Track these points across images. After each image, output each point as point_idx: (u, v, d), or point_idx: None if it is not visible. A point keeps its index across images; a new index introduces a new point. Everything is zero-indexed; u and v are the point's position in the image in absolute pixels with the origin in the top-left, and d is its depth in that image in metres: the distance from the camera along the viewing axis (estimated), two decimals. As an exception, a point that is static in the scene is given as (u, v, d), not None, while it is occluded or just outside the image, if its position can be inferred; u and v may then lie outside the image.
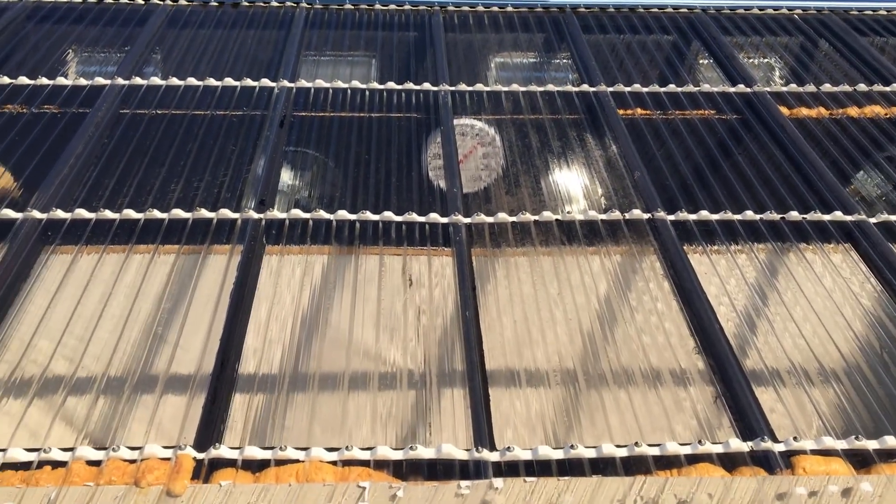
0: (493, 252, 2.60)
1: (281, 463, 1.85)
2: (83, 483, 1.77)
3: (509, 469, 1.86)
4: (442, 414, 2.16)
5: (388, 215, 2.67)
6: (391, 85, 3.42)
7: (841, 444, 1.91)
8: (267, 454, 1.86)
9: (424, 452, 1.88)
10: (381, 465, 1.86)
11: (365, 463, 1.86)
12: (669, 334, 2.32)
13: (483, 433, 1.95)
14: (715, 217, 2.69)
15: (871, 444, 1.91)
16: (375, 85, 3.42)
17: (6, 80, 3.29)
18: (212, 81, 3.37)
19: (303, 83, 3.39)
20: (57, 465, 1.81)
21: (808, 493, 1.81)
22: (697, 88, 3.45)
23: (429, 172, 2.98)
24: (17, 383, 2.12)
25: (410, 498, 1.78)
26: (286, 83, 3.37)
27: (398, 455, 1.88)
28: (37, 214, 2.57)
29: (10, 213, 2.57)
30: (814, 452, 1.89)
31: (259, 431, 2.10)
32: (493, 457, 1.88)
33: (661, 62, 3.76)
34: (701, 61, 3.83)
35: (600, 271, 2.52)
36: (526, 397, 2.17)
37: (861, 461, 1.89)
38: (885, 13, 4.18)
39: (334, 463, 1.86)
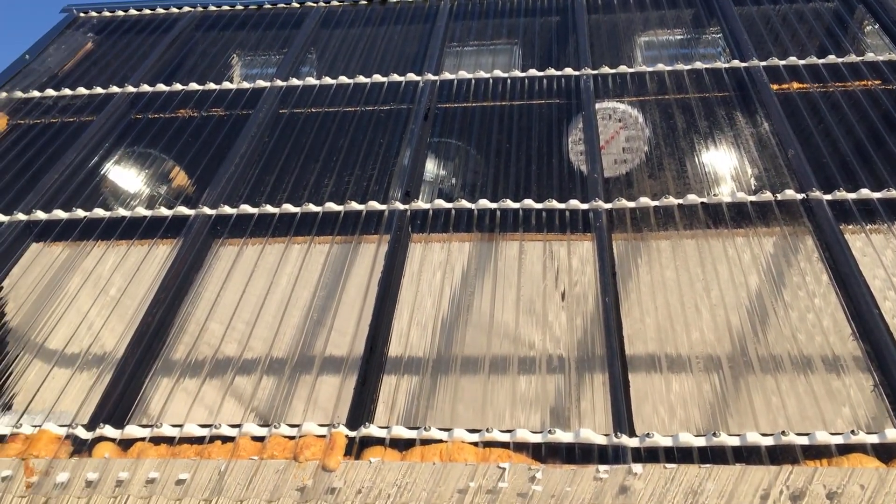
0: (635, 237, 2.58)
1: (426, 442, 1.94)
2: (249, 457, 1.94)
3: (649, 455, 1.87)
4: (582, 399, 2.19)
5: (529, 202, 2.70)
6: (532, 72, 3.44)
7: None
8: (413, 434, 1.96)
9: (563, 436, 1.92)
10: (520, 447, 1.91)
11: (505, 445, 1.92)
12: (823, 320, 2.22)
13: (622, 419, 1.96)
14: (877, 195, 2.53)
15: None
16: (517, 73, 3.45)
17: (178, 86, 3.60)
18: (361, 79, 3.52)
19: (446, 75, 3.48)
20: (226, 440, 2.00)
21: (976, 490, 1.69)
22: (861, 58, 3.23)
23: (570, 158, 2.99)
24: (192, 364, 2.34)
25: (549, 480, 1.82)
26: (430, 76, 3.47)
27: (537, 438, 1.92)
28: (207, 210, 2.81)
29: (184, 210, 2.83)
30: (984, 446, 1.76)
31: (406, 412, 2.22)
32: (633, 442, 1.89)
33: (821, 32, 3.55)
34: (866, 28, 3.58)
35: (748, 255, 2.44)
36: (667, 384, 2.15)
37: None
38: None
39: (476, 444, 1.93)
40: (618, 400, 2.01)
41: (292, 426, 2.01)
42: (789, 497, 1.74)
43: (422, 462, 1.89)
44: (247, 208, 2.80)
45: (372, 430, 1.97)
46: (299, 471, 1.91)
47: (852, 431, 1.83)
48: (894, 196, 2.52)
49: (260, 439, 2.00)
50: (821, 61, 3.24)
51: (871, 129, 2.88)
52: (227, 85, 3.60)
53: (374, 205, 2.75)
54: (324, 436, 1.98)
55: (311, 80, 3.55)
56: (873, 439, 1.82)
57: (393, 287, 2.45)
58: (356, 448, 1.95)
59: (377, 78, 3.51)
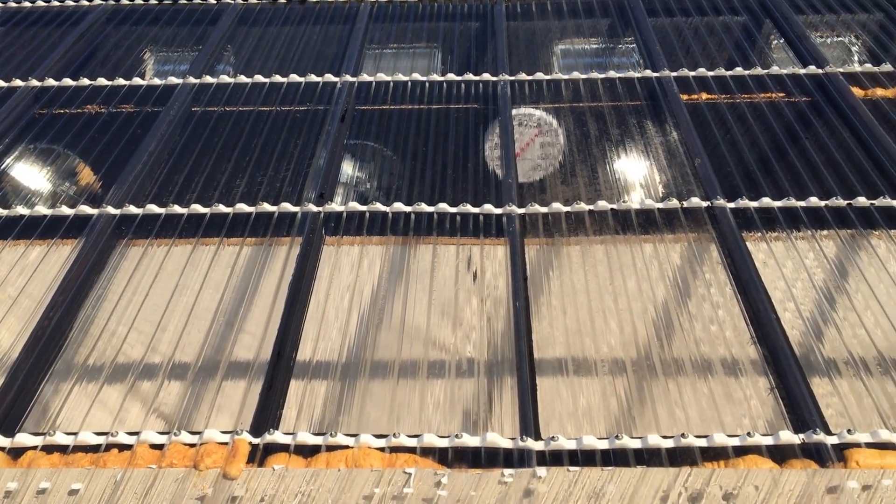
0: (547, 242, 2.61)
1: (332, 449, 1.92)
2: (146, 466, 1.88)
3: (553, 458, 1.88)
4: (491, 403, 2.20)
5: (443, 206, 2.70)
6: (451, 76, 3.45)
7: (898, 438, 1.85)
8: (318, 440, 1.93)
9: (470, 440, 1.92)
10: (427, 452, 1.91)
11: (412, 450, 1.91)
12: (724, 325, 2.28)
13: (529, 423, 1.97)
14: (777, 204, 2.62)
15: (932, 439, 1.85)
16: (435, 77, 3.46)
17: (86, 81, 3.47)
18: (278, 78, 3.46)
19: (365, 77, 3.46)
20: (123, 448, 1.93)
21: (861, 487, 1.76)
22: (766, 71, 3.35)
23: (486, 163, 3.00)
24: (91, 369, 2.25)
25: (454, 485, 1.82)
26: (349, 77, 3.44)
27: (444, 443, 1.92)
28: (111, 210, 2.71)
29: (86, 209, 2.72)
30: (869, 446, 1.84)
31: (314, 417, 2.18)
32: (538, 446, 1.90)
33: (730, 45, 3.67)
34: (772, 42, 3.72)
35: (654, 260, 2.49)
36: (575, 387, 2.18)
37: (920, 456, 1.83)
38: (974, -16, 3.96)
39: (382, 449, 1.91)
40: (525, 404, 2.02)
41: (193, 433, 1.95)
42: (687, 498, 1.78)
43: (327, 469, 1.86)
44: (153, 208, 2.72)
45: (277, 436, 1.94)
46: (199, 479, 1.85)
47: (748, 433, 1.88)
48: (794, 205, 2.61)
49: (159, 447, 1.93)
50: (728, 73, 3.34)
51: (774, 140, 2.99)
52: (137, 81, 3.49)
53: (287, 206, 2.71)
54: (226, 443, 1.93)
55: (226, 79, 3.47)
56: (768, 441, 1.88)
57: (304, 290, 2.41)
58: (260, 455, 1.91)
59: (294, 78, 3.46)
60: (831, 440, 1.86)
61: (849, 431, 1.86)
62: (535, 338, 2.25)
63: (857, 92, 3.17)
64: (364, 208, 2.71)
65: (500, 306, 2.42)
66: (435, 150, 3.05)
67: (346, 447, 1.91)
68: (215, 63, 3.69)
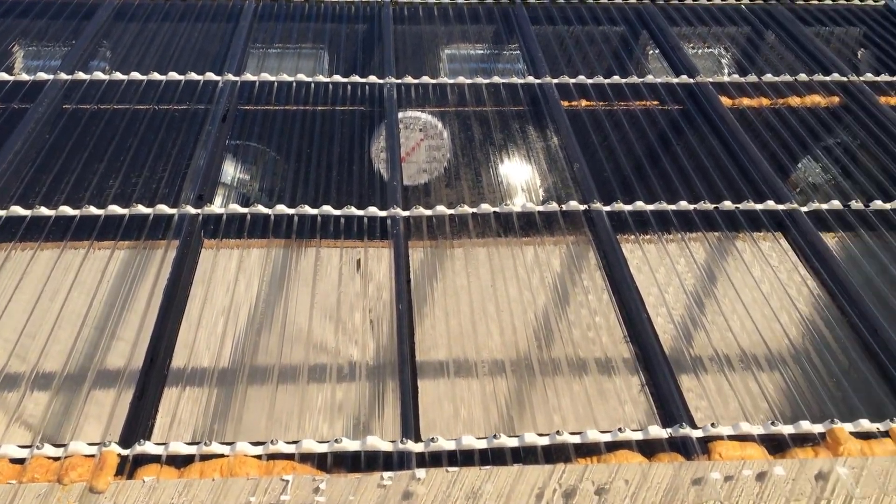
0: (431, 245, 2.63)
1: (206, 458, 1.86)
2: (6, 481, 1.78)
3: (433, 459, 1.89)
4: (374, 406, 2.19)
5: (327, 209, 2.68)
6: (337, 78, 3.43)
7: (757, 430, 1.96)
8: (192, 449, 1.87)
9: (350, 445, 1.91)
10: (305, 458, 1.88)
11: (290, 456, 1.88)
12: (599, 325, 2.35)
13: (410, 425, 1.97)
14: (650, 207, 2.73)
15: (787, 429, 1.96)
16: (321, 78, 3.42)
17: (-55, 75, 3.26)
18: (156, 76, 3.35)
19: (248, 76, 3.38)
20: (-21, 463, 1.82)
21: (724, 478, 1.85)
22: (641, 79, 3.48)
23: (372, 166, 2.99)
24: (-54, 382, 2.12)
25: (333, 490, 1.80)
26: (231, 77, 3.36)
27: (323, 448, 1.90)
28: (-30, 212, 2.56)
29: (-58, 211, 2.56)
30: (731, 438, 1.94)
31: (190, 426, 2.12)
32: (418, 448, 1.91)
33: (608, 53, 3.80)
34: (648, 52, 3.87)
35: (534, 263, 2.55)
36: (456, 389, 2.20)
37: (776, 446, 1.94)
38: (831, 2, 4.24)
39: (259, 457, 1.87)
40: (406, 406, 2.02)
41: (57, 446, 1.86)
42: (562, 495, 1.82)
43: (201, 479, 1.81)
44: (18, 210, 2.58)
45: (147, 447, 1.87)
46: (64, 494, 1.77)
47: (619, 429, 1.95)
48: (665, 208, 2.72)
49: (20, 461, 1.83)
50: (607, 81, 3.45)
51: (648, 146, 3.11)
52: (3, 76, 3.30)
53: (163, 208, 2.62)
54: (93, 455, 1.85)
55: (100, 75, 3.33)
56: (638, 436, 1.95)
57: (180, 295, 2.34)
58: (129, 467, 1.83)
59: (173, 76, 3.35)
60: (697, 434, 1.94)
61: (713, 425, 1.96)
62: (418, 340, 2.26)
63: (725, 101, 3.34)
64: (245, 210, 2.65)
65: (383, 309, 2.42)
66: (320, 151, 3.02)
67: (222, 456, 1.86)
68: (89, 59, 3.54)
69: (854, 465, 1.87)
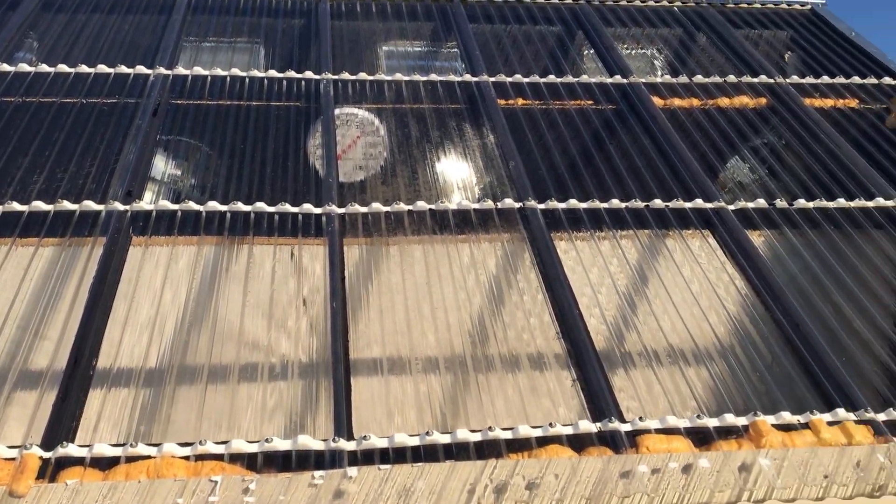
0: (366, 242, 2.62)
1: (132, 460, 1.82)
2: (-81, 487, 1.71)
3: (365, 458, 1.89)
4: (307, 405, 2.18)
5: (261, 206, 2.64)
6: (272, 73, 3.39)
7: (683, 423, 2.00)
8: (117, 451, 1.83)
9: (281, 444, 1.89)
10: (236, 458, 1.86)
11: (219, 457, 1.85)
12: (533, 322, 2.38)
13: (342, 423, 1.96)
14: (583, 205, 2.77)
15: (712, 422, 2.01)
16: (256, 73, 3.37)
17: None
18: (84, 68, 3.26)
19: (180, 70, 3.32)
20: None
21: (651, 471, 1.89)
22: (576, 79, 3.52)
23: (307, 162, 2.97)
24: None
25: (263, 490, 1.78)
26: (163, 70, 3.29)
27: (253, 448, 1.87)
28: None
29: None
30: (658, 431, 1.98)
31: (117, 428, 2.07)
32: (350, 446, 1.90)
33: (545, 53, 3.84)
34: (583, 52, 3.92)
35: (469, 261, 2.56)
36: (390, 387, 2.20)
37: (702, 439, 1.99)
38: (759, 6, 4.36)
39: (187, 458, 1.84)
40: (339, 405, 2.01)
41: (-25, 450, 1.80)
42: (493, 490, 1.84)
43: (126, 481, 1.77)
44: (-65, 206, 2.49)
45: (70, 449, 1.82)
46: (-19, 500, 1.71)
47: (550, 424, 1.97)
48: (598, 206, 2.76)
49: (-66, 467, 1.76)
50: (543, 80, 3.49)
51: (582, 145, 3.15)
52: (-80, 66, 3.18)
53: (90, 205, 2.55)
54: (13, 458, 1.79)
55: (25, 67, 3.22)
56: (568, 431, 1.97)
57: (107, 293, 2.28)
58: (51, 470, 1.78)
59: (102, 68, 3.27)
60: (625, 428, 1.98)
61: (640, 419, 2.00)
62: (352, 339, 2.25)
63: (657, 101, 3.40)
64: (176, 207, 2.60)
65: (317, 307, 2.40)
66: (254, 147, 2.98)
67: (148, 457, 1.83)
68: (14, 50, 3.42)
69: (776, 457, 1.93)
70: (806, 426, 2.02)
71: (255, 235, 2.57)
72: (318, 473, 1.82)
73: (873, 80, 3.66)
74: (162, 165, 2.92)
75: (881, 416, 2.06)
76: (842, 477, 1.92)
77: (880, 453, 1.95)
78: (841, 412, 2.05)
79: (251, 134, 3.04)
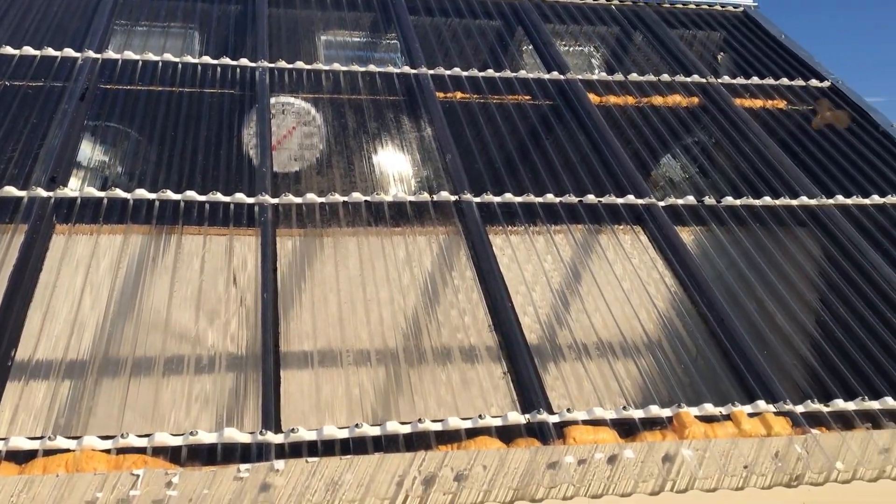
0: (300, 233, 2.59)
1: (50, 453, 1.77)
2: None
3: (294, 451, 1.87)
4: (234, 397, 2.15)
5: (192, 194, 2.59)
6: (206, 59, 3.32)
7: (610, 414, 2.04)
8: (34, 444, 1.78)
9: (206, 437, 1.85)
10: (158, 451, 1.82)
11: (141, 450, 1.81)
12: (466, 315, 2.39)
13: (270, 416, 1.94)
14: (518, 199, 2.79)
15: (637, 414, 2.05)
16: (189, 59, 3.30)
17: None
18: (8, 50, 3.15)
19: (110, 54, 3.23)
20: None
21: (577, 462, 1.92)
22: (515, 74, 3.54)
23: (241, 151, 2.92)
24: None
25: (186, 484, 1.75)
26: (92, 53, 3.20)
27: (177, 441, 1.84)
28: None
29: None
30: (585, 423, 2.01)
31: (36, 420, 2.01)
32: (277, 439, 1.88)
33: (484, 47, 3.85)
34: (522, 48, 3.94)
35: (404, 252, 2.55)
36: (321, 379, 2.19)
37: (627, 430, 2.02)
38: (694, 7, 4.45)
39: (109, 451, 1.80)
40: (267, 397, 1.99)
41: None
42: (422, 482, 1.84)
43: (43, 475, 1.72)
44: None
45: (-16, 443, 1.76)
46: None
47: (480, 416, 1.98)
48: (532, 200, 2.79)
49: None
50: (481, 74, 3.50)
51: (519, 140, 3.17)
52: None
53: (11, 190, 2.47)
54: (-78, 453, 1.72)
55: (-56, 47, 3.10)
56: (497, 422, 1.98)
57: (27, 282, 2.21)
58: (-37, 465, 1.72)
59: (28, 50, 3.15)
60: (553, 419, 2.00)
61: (568, 410, 2.02)
62: (283, 330, 2.23)
63: (593, 98, 3.44)
64: (102, 194, 2.53)
65: (248, 299, 2.37)
66: (186, 135, 2.91)
67: (68, 451, 1.78)
68: (-68, 29, 3.28)
69: (698, 448, 1.97)
70: (728, 418, 2.08)
71: (185, 225, 2.51)
72: (244, 467, 1.79)
73: (801, 82, 3.77)
74: (89, 151, 2.83)
75: (799, 408, 2.12)
76: (761, 467, 1.98)
77: (798, 444, 2.01)
78: (761, 404, 2.11)
79: (183, 121, 2.98)
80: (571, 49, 3.97)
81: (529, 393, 2.07)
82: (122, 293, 2.30)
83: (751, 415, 2.09)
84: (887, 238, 2.84)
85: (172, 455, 1.81)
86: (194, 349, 2.24)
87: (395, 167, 2.98)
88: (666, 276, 2.55)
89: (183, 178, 2.68)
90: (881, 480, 2.05)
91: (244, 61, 3.34)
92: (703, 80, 3.67)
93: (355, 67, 3.44)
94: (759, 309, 2.48)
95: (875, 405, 2.16)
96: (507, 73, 3.53)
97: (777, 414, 2.09)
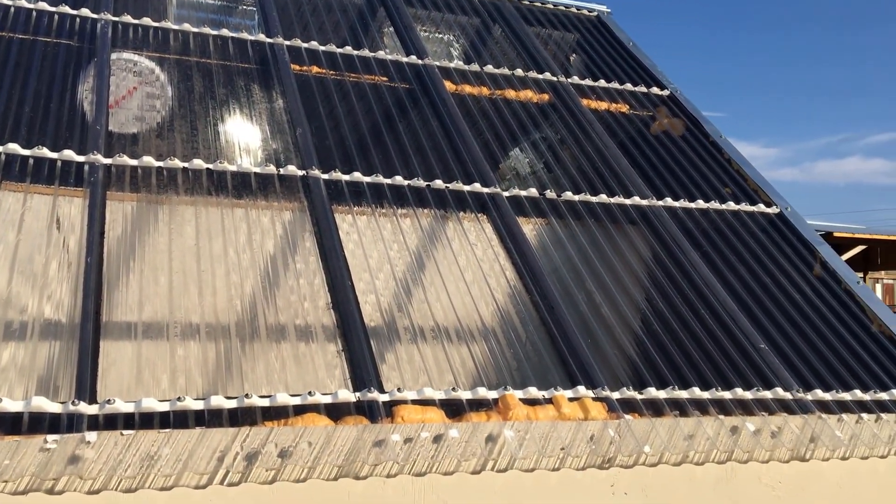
0: (134, 198, 2.47)
1: None
2: None
3: (108, 422, 1.79)
4: (50, 366, 2.02)
5: (14, 147, 2.41)
6: (43, 5, 3.09)
7: (439, 395, 2.08)
8: None
9: (10, 405, 1.74)
10: (-45, 420, 1.69)
11: (-65, 418, 1.68)
12: (304, 292, 2.36)
13: (85, 386, 1.84)
14: (367, 179, 2.78)
15: (465, 395, 2.10)
16: (24, 3, 3.06)
17: None
18: None
19: (-70, -12, 2.94)
20: None
21: (403, 440, 1.94)
22: (373, 54, 3.52)
23: (74, 107, 2.74)
24: None
25: (-16, 455, 1.64)
26: None
27: (-22, 409, 1.71)
28: None
29: None
30: (414, 402, 2.03)
31: None
32: (91, 410, 1.79)
33: (345, 24, 3.80)
34: (383, 29, 3.93)
35: (245, 224, 2.49)
36: (146, 350, 2.10)
37: (455, 410, 2.07)
38: (552, 7, 4.59)
39: None
40: (83, 365, 1.89)
41: None
42: (244, 457, 1.81)
43: None
44: None
45: None
46: None
47: (309, 392, 1.97)
48: (381, 181, 2.79)
49: None
50: (339, 51, 3.45)
51: (372, 121, 3.16)
52: None
53: None
54: None
55: None
56: (327, 400, 1.98)
57: None
58: None
59: None
60: (383, 398, 2.02)
61: (399, 390, 2.04)
62: (108, 298, 2.12)
63: (449, 85, 3.48)
64: None
65: (71, 262, 2.23)
66: (13, 84, 2.70)
67: None
68: None
69: (520, 429, 2.05)
70: (549, 401, 2.17)
71: (5, 180, 2.34)
72: (51, 437, 1.70)
73: (643, 89, 3.97)
74: None
75: (615, 395, 2.25)
76: (577, 449, 2.08)
77: (611, 428, 2.13)
78: (581, 389, 2.22)
79: (11, 69, 2.76)
80: (431, 35, 4.00)
81: (361, 371, 2.07)
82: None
83: (571, 399, 2.18)
84: (707, 240, 3.05)
85: (-29, 424, 1.69)
86: (4, 313, 2.09)
87: (242, 137, 2.90)
88: (504, 263, 2.63)
89: (6, 130, 2.49)
90: (684, 465, 2.21)
91: (85, 11, 3.14)
92: (555, 79, 3.80)
93: (207, 30, 3.30)
94: (587, 300, 2.60)
95: (683, 394, 2.32)
96: (366, 53, 3.50)
97: (595, 399, 2.20)
